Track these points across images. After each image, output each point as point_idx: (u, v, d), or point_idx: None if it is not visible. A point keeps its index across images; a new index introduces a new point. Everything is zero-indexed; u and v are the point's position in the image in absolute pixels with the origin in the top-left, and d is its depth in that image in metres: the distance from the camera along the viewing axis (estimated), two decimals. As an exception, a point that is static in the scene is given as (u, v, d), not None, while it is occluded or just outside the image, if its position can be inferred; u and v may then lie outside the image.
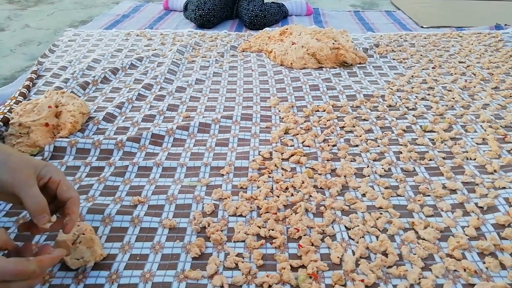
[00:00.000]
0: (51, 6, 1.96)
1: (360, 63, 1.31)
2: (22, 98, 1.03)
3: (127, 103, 1.04)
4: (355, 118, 0.97)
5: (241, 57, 1.39)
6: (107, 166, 0.80)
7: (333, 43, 1.30)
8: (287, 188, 0.74)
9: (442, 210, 0.68)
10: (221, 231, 0.64)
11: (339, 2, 2.23)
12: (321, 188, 0.74)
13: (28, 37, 1.55)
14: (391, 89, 1.12)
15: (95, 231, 0.62)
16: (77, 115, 0.91)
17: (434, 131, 0.92)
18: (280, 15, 1.85)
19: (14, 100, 1.00)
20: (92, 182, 0.75)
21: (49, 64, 1.29)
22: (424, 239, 0.62)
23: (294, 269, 0.57)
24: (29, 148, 0.83)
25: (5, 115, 0.90)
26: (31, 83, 1.13)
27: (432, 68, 1.28)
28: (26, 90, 1.08)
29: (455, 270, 0.57)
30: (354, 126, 0.93)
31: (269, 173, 0.78)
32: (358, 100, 1.05)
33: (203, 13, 1.68)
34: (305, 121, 0.96)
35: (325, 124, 0.95)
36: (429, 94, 1.10)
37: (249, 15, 1.70)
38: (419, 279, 0.55)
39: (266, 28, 1.65)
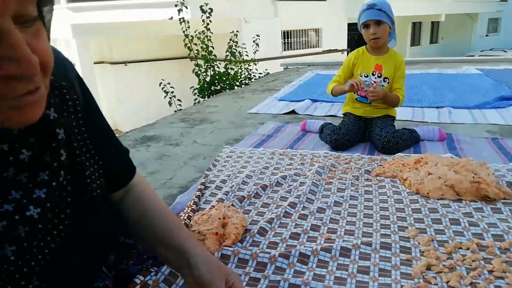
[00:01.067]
0: (211, 125, 2.41)
1: (505, 199, 1.28)
2: (195, 206, 1.28)
3: (276, 219, 1.20)
4: (505, 262, 0.95)
5: (375, 182, 1.49)
6: (263, 278, 0.93)
7: (473, 177, 1.31)
8: (433, 329, 0.75)
9: None
10: None
11: (474, 127, 2.23)
12: (470, 335, 0.74)
13: (196, 152, 1.92)
14: (544, 232, 1.07)
15: None
16: (239, 228, 1.09)
17: None
18: (412, 141, 1.93)
19: (190, 208, 1.25)
20: (252, 291, 0.88)
21: (212, 177, 1.57)
22: None
23: None
24: (203, 252, 1.02)
25: (185, 222, 1.14)
26: (200, 193, 1.40)
27: None
28: (197, 199, 1.34)
29: None
30: (505, 272, 0.91)
31: (413, 309, 0.81)
32: (507, 242, 1.02)
33: (338, 138, 1.88)
34: (447, 258, 0.98)
35: (470, 265, 0.95)
36: None
37: (382, 140, 1.82)
38: None
39: (399, 154, 1.74)
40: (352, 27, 14.31)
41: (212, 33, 4.90)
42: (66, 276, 0.57)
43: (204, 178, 1.56)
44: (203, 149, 1.95)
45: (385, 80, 1.94)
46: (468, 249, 1.01)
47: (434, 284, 0.89)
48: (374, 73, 1.94)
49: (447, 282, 0.89)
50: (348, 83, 1.92)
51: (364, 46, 2.00)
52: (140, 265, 0.90)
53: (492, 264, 0.94)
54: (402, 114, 2.44)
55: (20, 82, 0.40)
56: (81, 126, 0.61)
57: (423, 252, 1.01)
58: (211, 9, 4.90)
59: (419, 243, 1.05)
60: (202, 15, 4.88)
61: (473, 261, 0.95)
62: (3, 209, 0.47)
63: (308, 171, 1.60)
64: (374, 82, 1.94)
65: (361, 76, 1.96)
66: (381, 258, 1.00)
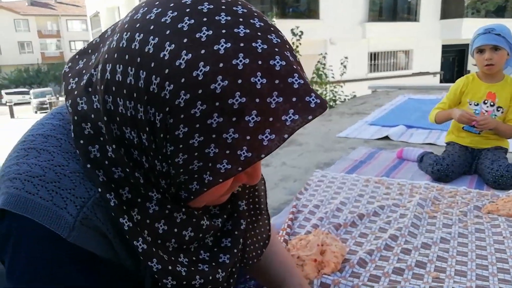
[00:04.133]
0: (299, 147, 2.42)
1: None
2: (290, 229, 1.28)
3: (376, 251, 1.15)
4: None
5: (487, 220, 1.35)
6: (366, 313, 0.89)
7: None
8: None
9: None
10: None
11: None
12: None
13: (286, 174, 1.94)
14: None
15: None
16: (339, 256, 1.07)
17: None
18: (529, 176, 1.73)
19: (285, 231, 1.25)
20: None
21: (305, 201, 1.56)
22: None
23: None
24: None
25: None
26: (293, 216, 1.40)
27: None
28: (291, 222, 1.34)
29: None
30: None
31: None
32: None
33: (441, 168, 1.75)
34: None
35: None
36: None
37: (493, 174, 1.66)
38: None
39: (515, 189, 1.57)
40: (447, 48, 13.47)
41: (301, 55, 4.98)
42: None
43: (296, 201, 1.56)
44: (293, 171, 1.96)
45: (499, 109, 1.77)
46: None
47: None
48: (486, 101, 1.78)
49: None
50: (455, 110, 1.79)
51: (475, 72, 1.86)
52: (243, 284, 0.92)
53: None
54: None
55: None
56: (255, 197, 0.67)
57: (556, 307, 0.88)
58: (301, 32, 5.00)
59: (549, 296, 0.92)
60: (292, 37, 5.00)
61: None
62: (200, 268, 0.53)
63: (408, 202, 1.51)
64: (486, 111, 1.78)
65: (470, 104, 1.81)
66: (503, 308, 0.89)
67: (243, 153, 0.42)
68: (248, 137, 0.41)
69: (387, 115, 3.37)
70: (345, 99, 5.13)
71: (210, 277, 0.53)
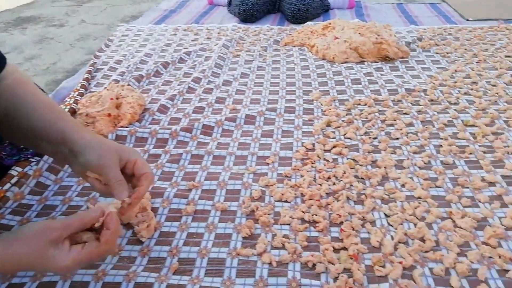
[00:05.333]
0: (103, 2, 2.09)
1: (402, 58, 1.32)
2: (84, 90, 1.14)
3: (178, 95, 1.12)
4: (396, 112, 1.00)
5: (284, 51, 1.44)
6: (163, 153, 0.88)
7: (376, 38, 1.31)
8: (329, 178, 0.79)
9: (480, 201, 0.71)
10: (268, 214, 0.70)
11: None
12: (362, 178, 0.79)
13: (85, 32, 1.67)
14: (434, 83, 1.13)
15: (155, 212, 0.71)
16: (136, 107, 1.00)
17: (476, 126, 0.93)
18: (322, 9, 1.87)
19: (77, 92, 1.10)
20: (151, 168, 0.83)
21: (105, 58, 1.39)
22: (460, 228, 0.65)
23: (336, 250, 0.62)
24: (95, 135, 0.92)
25: (71, 106, 1.01)
26: (90, 75, 1.24)
27: (477, 62, 1.27)
28: (86, 82, 1.19)
29: (490, 257, 0.60)
30: (395, 120, 0.96)
31: (312, 163, 0.83)
32: (400, 95, 1.07)
33: (247, 8, 1.74)
34: (346, 114, 1.00)
35: (366, 118, 0.98)
36: (472, 89, 1.10)
37: (292, 9, 1.73)
38: (455, 263, 0.59)
39: (308, 22, 1.68)
40: None
41: None
42: None
43: (94, 59, 1.38)
44: (94, 29, 1.70)
45: None
46: (365, 104, 1.05)
47: (333, 138, 0.91)
48: None
49: (344, 134, 0.92)
50: None
51: None
52: (16, 155, 0.79)
53: (385, 114, 0.98)
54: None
55: None
56: None
57: (325, 111, 1.02)
58: None
59: (321, 104, 1.06)
60: None
61: (369, 114, 0.99)
62: None
63: (214, 45, 1.49)
64: None
65: None
66: (285, 121, 0.99)
67: None
68: None
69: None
70: None
71: None
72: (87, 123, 0.94)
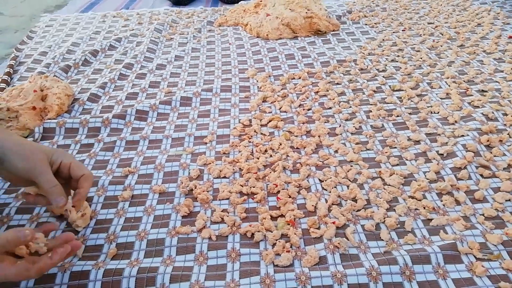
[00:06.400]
0: (23, -9, 1.94)
1: (333, 30, 1.36)
2: (5, 85, 1.06)
3: (109, 83, 1.08)
4: (328, 83, 1.03)
5: (218, 32, 1.42)
6: (96, 142, 0.84)
7: (306, 13, 1.33)
8: (266, 151, 0.80)
9: (407, 159, 0.76)
10: (207, 191, 0.70)
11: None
12: (297, 148, 0.80)
13: (3, 25, 1.55)
14: (363, 53, 1.18)
15: (90, 201, 0.68)
16: (63, 97, 0.95)
17: (402, 90, 0.98)
18: (254, -12, 1.86)
19: (-2, 87, 1.03)
20: (84, 157, 0.80)
21: (28, 51, 1.30)
22: (389, 185, 0.69)
23: (274, 218, 0.64)
24: (20, 131, 0.87)
25: (-8, 102, 0.93)
26: (12, 69, 1.15)
27: (402, 30, 1.33)
28: (8, 77, 1.10)
29: (416, 209, 0.64)
30: (327, 90, 0.99)
31: (249, 139, 0.84)
32: (332, 66, 1.10)
33: (178, -10, 1.69)
34: (281, 89, 1.01)
35: (300, 91, 1.00)
36: (398, 56, 1.15)
37: (224, -11, 1.71)
38: (384, 218, 0.62)
39: (242, 2, 1.67)
40: None
41: None
42: None
43: (16, 52, 1.28)
44: (13, 21, 1.58)
45: None
46: (299, 78, 1.07)
47: (269, 112, 0.92)
48: None
49: (280, 108, 0.93)
50: None
51: None
52: None
53: (318, 86, 1.01)
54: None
55: None
56: None
57: (261, 87, 1.03)
58: None
59: (257, 81, 1.06)
60: None
61: (303, 87, 1.01)
62: None
63: (146, 30, 1.44)
64: None
65: None
66: (222, 100, 0.99)
67: None
68: None
69: None
70: None
71: None
72: (9, 118, 0.88)
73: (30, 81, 0.98)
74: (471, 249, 0.56)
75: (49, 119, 0.91)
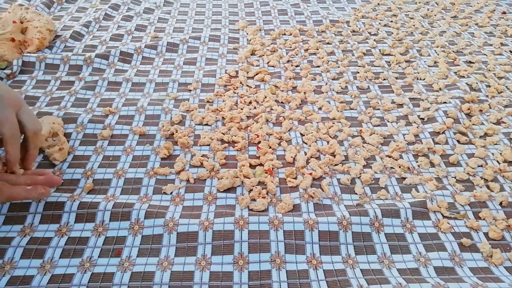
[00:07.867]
0: None
1: (329, -10, 1.32)
2: (-16, 14, 1.01)
3: (94, 22, 1.03)
4: (319, 41, 1.01)
5: (211, -19, 1.37)
6: (77, 80, 0.82)
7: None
8: (250, 102, 0.79)
9: (388, 121, 0.76)
10: (188, 136, 0.70)
11: None
12: (282, 102, 0.80)
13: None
14: (357, 15, 1.16)
15: (68, 137, 0.67)
16: (44, 32, 0.91)
17: (392, 55, 0.98)
18: None
19: (-25, 16, 0.97)
20: (63, 94, 0.78)
21: (9, -18, 1.23)
22: (368, 143, 0.70)
23: (252, 167, 0.64)
24: (-3, 62, 0.83)
25: (-32, 30, 0.89)
26: (-9, 0, 1.10)
27: (398, -4, 1.31)
28: (-13, 7, 1.05)
29: (391, 167, 0.66)
30: (317, 49, 0.98)
31: (235, 89, 0.83)
32: (324, 25, 1.08)
33: None
34: (271, 44, 1.00)
35: (290, 47, 0.99)
36: (391, 21, 1.14)
37: None
38: (360, 174, 0.64)
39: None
40: None
41: None
42: None
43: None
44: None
45: None
46: (290, 34, 1.05)
47: (256, 66, 0.91)
48: None
49: (268, 62, 0.92)
50: None
51: None
52: None
53: (308, 44, 0.99)
54: None
55: None
56: None
57: (250, 40, 1.01)
58: None
59: (247, 33, 1.04)
60: None
61: (293, 43, 1.00)
62: None
63: (135, -28, 1.37)
64: None
65: None
66: (209, 49, 0.97)
67: None
68: None
69: None
70: None
71: None
72: (-15, 48, 0.84)
73: (10, 12, 0.94)
74: (440, 207, 0.58)
75: (29, 52, 0.87)
